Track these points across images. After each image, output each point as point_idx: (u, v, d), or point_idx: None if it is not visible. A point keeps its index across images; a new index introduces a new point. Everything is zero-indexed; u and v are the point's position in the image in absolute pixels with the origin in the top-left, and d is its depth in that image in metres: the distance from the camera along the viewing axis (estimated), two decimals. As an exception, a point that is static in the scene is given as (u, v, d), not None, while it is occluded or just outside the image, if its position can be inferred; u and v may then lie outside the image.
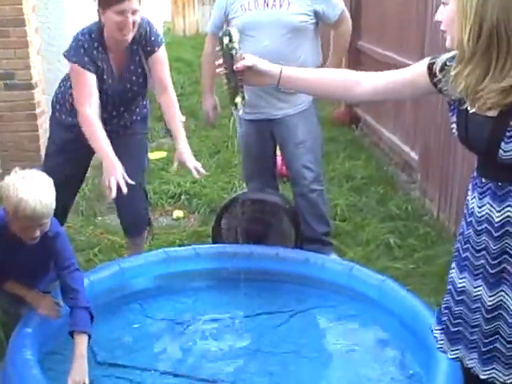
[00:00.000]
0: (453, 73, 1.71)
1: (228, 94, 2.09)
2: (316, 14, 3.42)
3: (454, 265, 1.91)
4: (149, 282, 3.14)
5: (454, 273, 1.89)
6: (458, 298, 1.86)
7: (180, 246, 3.88)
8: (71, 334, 2.45)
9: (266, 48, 3.29)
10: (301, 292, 3.15)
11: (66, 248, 2.68)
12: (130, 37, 3.04)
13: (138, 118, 3.38)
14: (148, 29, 3.17)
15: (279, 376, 2.61)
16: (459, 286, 1.86)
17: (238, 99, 2.07)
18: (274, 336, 2.89)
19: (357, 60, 6.88)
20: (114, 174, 2.83)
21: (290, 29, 3.36)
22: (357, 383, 2.57)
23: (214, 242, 3.52)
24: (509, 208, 1.72)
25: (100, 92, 3.08)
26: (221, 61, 2.07)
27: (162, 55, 3.23)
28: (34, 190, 2.36)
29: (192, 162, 3.11)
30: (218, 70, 2.10)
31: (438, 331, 1.94)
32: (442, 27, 1.76)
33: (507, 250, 1.74)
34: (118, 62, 3.15)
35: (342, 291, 3.05)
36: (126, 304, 3.04)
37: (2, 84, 4.78)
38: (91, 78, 3.04)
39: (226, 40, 2.02)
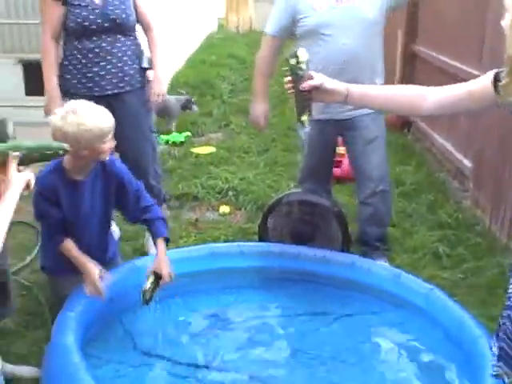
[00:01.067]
0: (502, 83, 1.67)
1: (295, 112, 2.14)
2: (388, 6, 3.32)
3: None
4: (193, 277, 3.12)
5: None
6: None
7: (225, 241, 3.88)
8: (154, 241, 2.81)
9: (344, 47, 3.24)
10: (346, 296, 3.10)
11: (127, 171, 2.86)
12: None
13: (134, 66, 3.51)
14: None
15: (318, 378, 2.58)
16: None
17: (305, 117, 2.11)
18: (316, 338, 2.85)
19: (412, 64, 6.78)
20: None
21: (365, 25, 3.26)
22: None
23: (260, 241, 3.50)
24: None
25: (82, 19, 3.32)
26: (289, 80, 2.09)
27: None
28: (94, 109, 2.63)
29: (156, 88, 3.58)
30: (286, 88, 2.12)
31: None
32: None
33: None
34: None
35: (388, 298, 2.99)
36: (170, 297, 3.02)
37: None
38: (58, 10, 3.33)
39: (292, 61, 2.06)
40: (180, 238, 3.99)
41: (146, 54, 3.65)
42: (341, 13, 3.25)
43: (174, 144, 6.18)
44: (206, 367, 2.63)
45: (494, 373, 1.84)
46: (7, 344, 2.87)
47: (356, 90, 2.06)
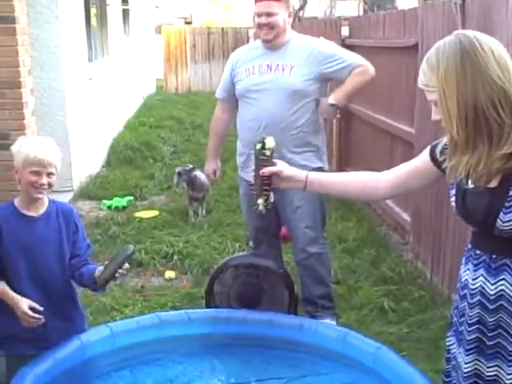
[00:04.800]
0: (450, 164, 1.76)
1: (253, 194, 2.24)
2: (322, 76, 3.47)
3: (452, 339, 1.90)
4: (141, 347, 3.07)
5: (454, 348, 1.88)
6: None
7: (172, 308, 3.85)
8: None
9: (266, 111, 3.41)
10: (294, 358, 3.08)
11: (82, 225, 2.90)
12: None
13: None
14: None
15: None
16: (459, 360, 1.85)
17: (260, 201, 2.21)
18: (268, 404, 2.83)
19: (348, 121, 6.98)
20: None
21: (290, 92, 3.41)
22: None
23: (207, 306, 3.48)
24: (503, 282, 1.73)
25: None
26: (253, 164, 2.22)
27: None
28: (43, 141, 2.69)
29: None
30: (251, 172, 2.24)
31: None
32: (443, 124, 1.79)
33: (501, 324, 1.74)
34: None
35: (337, 358, 3.00)
36: (117, 370, 2.97)
37: (-3, 144, 4.80)
38: None
39: (258, 146, 2.17)
40: (125, 306, 3.94)
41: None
42: (268, 80, 3.44)
43: (117, 209, 6.14)
44: None
45: None
46: None
47: (315, 177, 2.16)
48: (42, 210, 2.73)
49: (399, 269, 4.45)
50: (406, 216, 5.05)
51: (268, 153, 2.16)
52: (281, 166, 2.15)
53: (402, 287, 4.17)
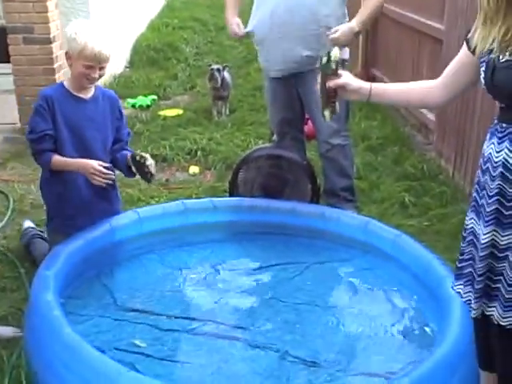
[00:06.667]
0: (479, 36, 1.79)
1: (321, 105, 2.26)
2: None
3: (471, 214, 1.95)
4: (167, 233, 3.18)
5: (472, 222, 1.93)
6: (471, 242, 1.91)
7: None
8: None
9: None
10: (316, 245, 3.19)
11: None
12: None
13: None
14: None
15: (293, 324, 2.67)
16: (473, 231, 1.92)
17: (327, 112, 2.23)
18: (289, 286, 2.94)
19: (374, 21, 6.80)
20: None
21: None
22: (369, 333, 2.62)
23: (230, 196, 3.56)
24: None
25: None
26: (319, 76, 2.21)
27: None
28: (99, 32, 2.73)
29: None
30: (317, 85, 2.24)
31: (459, 286, 1.99)
32: None
33: None
34: None
35: (357, 245, 3.09)
36: (145, 253, 3.10)
37: (21, 38, 4.81)
38: None
39: (324, 59, 2.17)
40: (151, 197, 4.04)
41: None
42: None
43: (141, 107, 6.17)
44: (186, 318, 2.70)
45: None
46: (-15, 306, 2.90)
47: (378, 87, 2.16)
48: (90, 93, 2.84)
49: (421, 166, 4.47)
50: (430, 116, 5.02)
51: (333, 65, 2.15)
52: (347, 79, 2.15)
53: (424, 183, 4.20)
